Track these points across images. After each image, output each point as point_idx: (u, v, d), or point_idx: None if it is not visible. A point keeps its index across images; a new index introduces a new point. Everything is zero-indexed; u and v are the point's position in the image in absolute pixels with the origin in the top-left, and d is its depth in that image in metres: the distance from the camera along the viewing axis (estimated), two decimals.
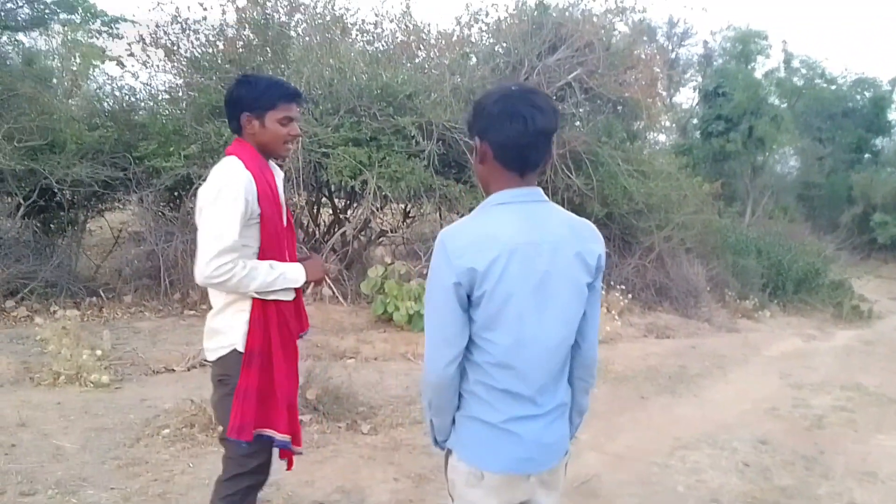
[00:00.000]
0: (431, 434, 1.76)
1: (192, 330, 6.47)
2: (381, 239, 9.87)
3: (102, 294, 7.19)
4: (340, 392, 4.45)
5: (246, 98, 2.24)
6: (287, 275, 2.24)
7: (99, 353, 5.13)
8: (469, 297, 1.57)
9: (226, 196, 2.13)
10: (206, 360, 2.39)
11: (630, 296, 9.56)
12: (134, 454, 3.50)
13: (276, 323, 2.25)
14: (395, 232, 9.79)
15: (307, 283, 2.31)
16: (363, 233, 9.31)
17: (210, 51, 8.36)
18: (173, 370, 5.27)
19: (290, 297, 2.30)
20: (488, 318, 1.58)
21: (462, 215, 9.19)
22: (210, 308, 2.32)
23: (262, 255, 2.24)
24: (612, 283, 9.40)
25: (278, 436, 2.28)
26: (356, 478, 3.50)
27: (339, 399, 4.37)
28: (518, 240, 1.56)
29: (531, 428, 1.64)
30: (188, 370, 5.29)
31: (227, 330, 2.24)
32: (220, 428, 2.32)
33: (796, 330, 11.14)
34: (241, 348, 2.21)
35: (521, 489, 1.68)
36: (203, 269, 2.12)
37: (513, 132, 1.55)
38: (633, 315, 9.44)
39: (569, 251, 1.60)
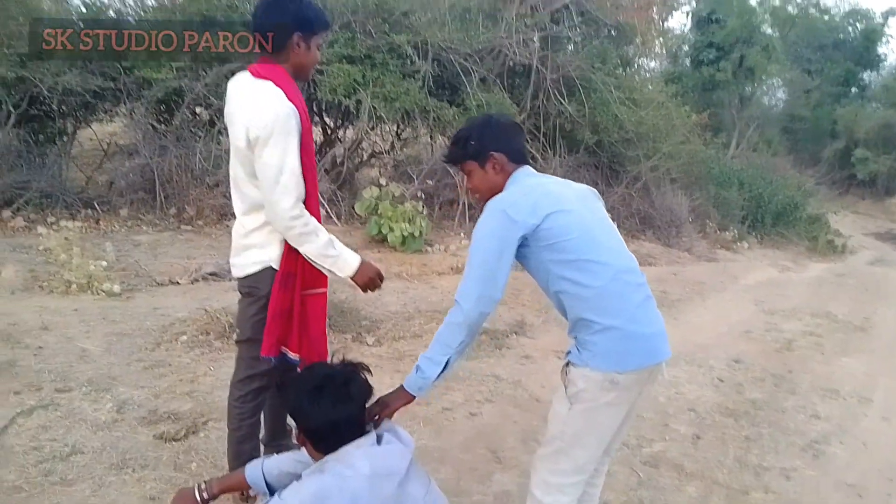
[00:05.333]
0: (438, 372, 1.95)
1: (191, 245, 6.59)
2: (371, 160, 9.90)
3: (97, 206, 7.24)
4: (345, 307, 4.67)
5: (301, 17, 2.11)
6: (339, 262, 2.23)
7: (104, 263, 5.27)
8: None
9: (283, 130, 2.05)
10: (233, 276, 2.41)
11: (615, 224, 9.76)
12: (156, 357, 3.70)
13: None
14: (388, 154, 9.81)
15: (351, 279, 2.29)
16: (354, 153, 9.33)
17: None
18: (178, 283, 5.42)
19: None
20: None
21: None
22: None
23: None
24: None
25: (290, 354, 2.33)
26: None
27: (343, 313, 4.59)
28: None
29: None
30: (192, 283, 5.46)
31: (263, 246, 2.24)
32: (238, 332, 2.45)
33: (772, 261, 11.54)
34: (276, 266, 2.23)
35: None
36: (282, 215, 2.09)
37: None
38: None
39: None
